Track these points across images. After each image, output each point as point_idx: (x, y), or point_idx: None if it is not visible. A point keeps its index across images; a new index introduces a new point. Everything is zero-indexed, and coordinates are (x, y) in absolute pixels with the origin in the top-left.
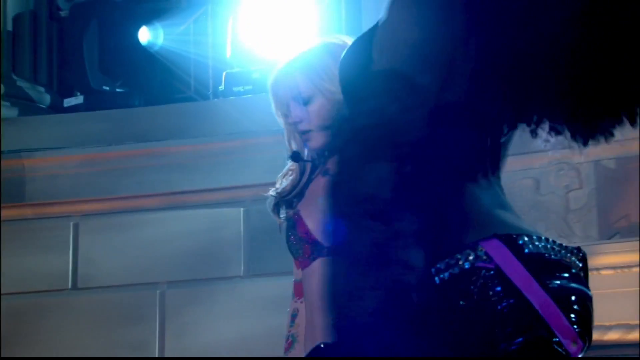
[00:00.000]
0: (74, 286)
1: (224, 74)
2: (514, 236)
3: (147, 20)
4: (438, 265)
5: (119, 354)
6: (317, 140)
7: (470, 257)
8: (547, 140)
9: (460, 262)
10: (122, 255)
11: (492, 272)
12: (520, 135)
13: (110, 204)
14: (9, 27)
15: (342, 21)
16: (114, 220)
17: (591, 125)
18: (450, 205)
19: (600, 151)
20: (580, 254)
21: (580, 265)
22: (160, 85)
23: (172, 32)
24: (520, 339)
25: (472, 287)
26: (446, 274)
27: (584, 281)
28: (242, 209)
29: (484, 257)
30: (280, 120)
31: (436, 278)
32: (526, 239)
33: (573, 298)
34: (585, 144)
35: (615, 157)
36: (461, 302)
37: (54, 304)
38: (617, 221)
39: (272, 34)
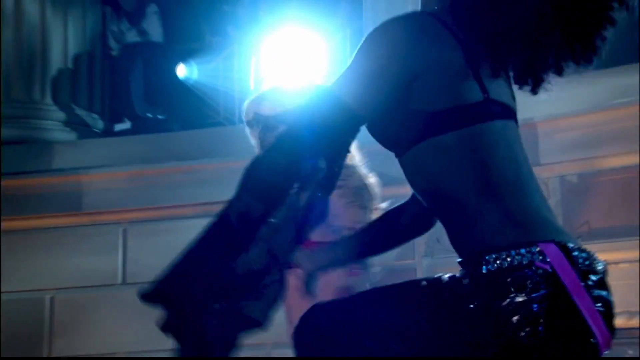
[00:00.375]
0: (123, 281)
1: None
2: (570, 245)
3: (184, 58)
4: (487, 257)
5: (161, 339)
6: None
7: (527, 255)
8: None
9: (514, 258)
10: (163, 255)
11: (548, 272)
12: None
13: (153, 212)
14: (70, 65)
15: (347, 55)
16: (156, 227)
17: (586, 45)
18: (487, 202)
19: (564, 168)
20: (603, 262)
21: (603, 271)
22: (194, 112)
23: (204, 69)
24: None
25: (528, 281)
26: (495, 265)
27: (608, 287)
28: None
29: (540, 258)
30: (251, 137)
31: (484, 267)
32: (576, 247)
33: (608, 305)
34: (590, 61)
35: (577, 172)
36: (512, 293)
37: (106, 297)
38: (580, 227)
39: (287, 69)
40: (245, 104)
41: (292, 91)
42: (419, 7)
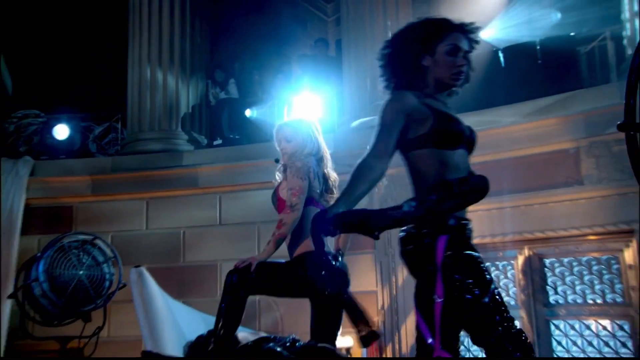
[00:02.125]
0: (220, 223)
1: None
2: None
3: (249, 106)
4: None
5: (239, 254)
6: (284, 158)
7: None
8: None
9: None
10: (241, 210)
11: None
12: None
13: (235, 187)
14: (189, 110)
15: (335, 104)
16: (236, 195)
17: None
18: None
19: None
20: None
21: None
22: (254, 134)
23: (260, 112)
24: None
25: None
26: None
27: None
28: None
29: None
30: (277, 146)
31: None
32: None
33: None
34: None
35: None
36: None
37: (210, 232)
38: None
39: (301, 113)
40: (276, 125)
41: (301, 122)
42: (378, 77)
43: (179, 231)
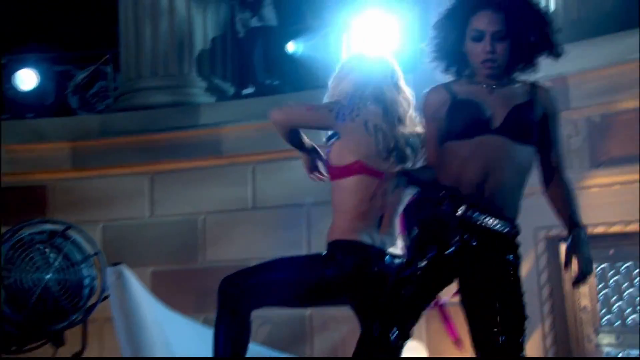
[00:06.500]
0: (254, 206)
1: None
2: None
3: (292, 37)
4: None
5: (280, 249)
6: None
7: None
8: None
9: None
10: (282, 187)
11: None
12: None
13: (273, 155)
14: (209, 46)
15: (416, 31)
16: (275, 165)
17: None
18: None
19: (589, 111)
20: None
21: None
22: (301, 78)
23: (308, 45)
24: None
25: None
26: None
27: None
28: None
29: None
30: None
31: None
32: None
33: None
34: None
35: (599, 114)
36: None
37: (241, 217)
38: (602, 156)
39: (370, 44)
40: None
41: (370, 58)
42: None
43: (197, 218)
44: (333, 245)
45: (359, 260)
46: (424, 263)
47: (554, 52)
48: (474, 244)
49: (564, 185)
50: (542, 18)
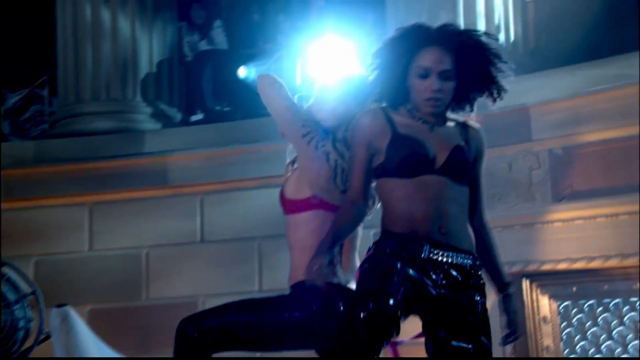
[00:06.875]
0: (202, 240)
1: (295, 96)
2: None
3: (243, 62)
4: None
5: (231, 285)
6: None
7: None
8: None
9: None
10: (233, 219)
11: None
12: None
13: (223, 185)
14: (154, 69)
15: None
16: (225, 196)
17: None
18: None
19: (552, 143)
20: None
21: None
22: (253, 105)
23: (260, 69)
24: None
25: None
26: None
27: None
28: None
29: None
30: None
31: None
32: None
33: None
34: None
35: (562, 146)
36: None
37: (188, 251)
38: (564, 189)
39: (326, 70)
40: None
41: (329, 85)
42: (433, 13)
43: (140, 252)
44: (299, 287)
45: (330, 300)
46: (390, 302)
47: (498, 96)
48: (444, 283)
49: (487, 230)
50: (491, 61)
